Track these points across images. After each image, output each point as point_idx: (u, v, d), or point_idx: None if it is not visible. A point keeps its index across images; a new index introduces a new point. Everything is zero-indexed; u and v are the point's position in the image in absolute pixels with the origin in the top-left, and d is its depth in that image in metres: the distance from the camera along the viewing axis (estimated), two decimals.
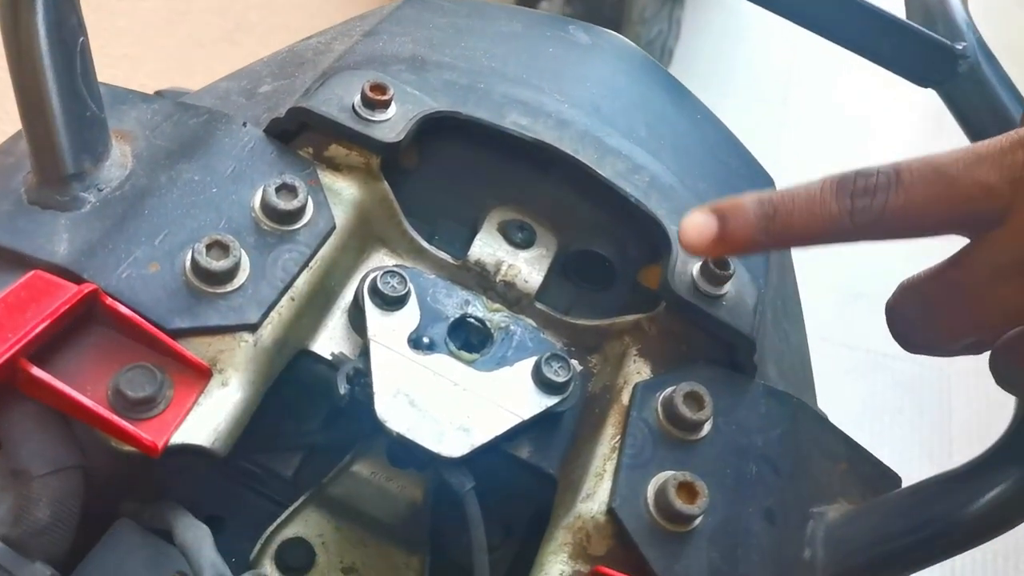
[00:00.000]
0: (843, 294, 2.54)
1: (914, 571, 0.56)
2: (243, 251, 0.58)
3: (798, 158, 2.80)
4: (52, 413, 0.50)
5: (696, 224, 0.58)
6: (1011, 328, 0.56)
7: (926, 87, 0.75)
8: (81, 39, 0.54)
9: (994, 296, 0.54)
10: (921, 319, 0.59)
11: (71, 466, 0.50)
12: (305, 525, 0.68)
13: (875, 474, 0.64)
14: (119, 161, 0.60)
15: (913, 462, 2.22)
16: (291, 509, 0.68)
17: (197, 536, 0.54)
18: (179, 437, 0.51)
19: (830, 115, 3.23)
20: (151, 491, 0.61)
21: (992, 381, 0.54)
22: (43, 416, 0.50)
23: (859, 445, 0.64)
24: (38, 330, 0.48)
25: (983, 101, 0.74)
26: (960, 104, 0.75)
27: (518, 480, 0.64)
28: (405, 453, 0.65)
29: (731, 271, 0.64)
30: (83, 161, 0.57)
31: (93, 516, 0.53)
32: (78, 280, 0.53)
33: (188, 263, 0.56)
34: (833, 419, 0.68)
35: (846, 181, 0.56)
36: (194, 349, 0.54)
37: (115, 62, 2.28)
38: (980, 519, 0.51)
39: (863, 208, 0.55)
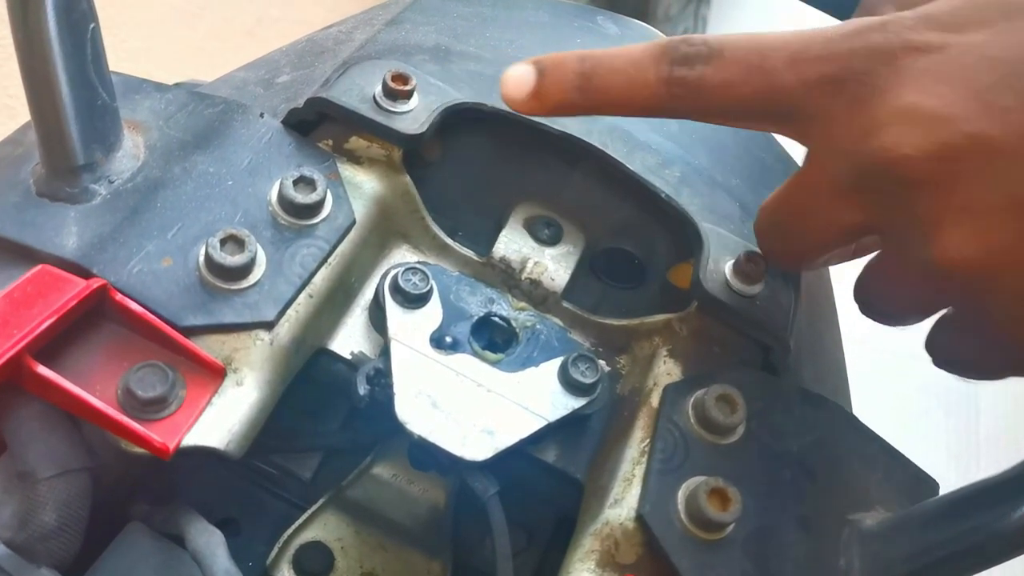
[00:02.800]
0: None
1: None
2: (259, 246, 0.56)
3: None
4: (59, 413, 0.49)
5: (515, 75, 0.57)
6: (849, 242, 0.55)
7: None
8: (92, 25, 0.53)
9: (826, 212, 0.53)
10: (776, 237, 0.59)
11: (79, 468, 0.49)
12: (324, 529, 0.66)
13: (913, 481, 0.61)
14: (131, 152, 0.58)
15: (940, 465, 2.19)
16: (309, 512, 0.66)
17: (210, 542, 0.52)
18: (191, 439, 0.50)
19: None
20: (163, 493, 0.60)
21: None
22: (49, 416, 0.48)
23: (896, 450, 0.62)
24: (44, 326, 0.46)
25: None
26: None
27: (543, 485, 0.62)
28: (427, 456, 0.63)
29: (765, 270, 0.62)
30: (94, 151, 0.55)
31: (102, 519, 0.52)
32: (87, 275, 0.51)
33: (202, 258, 0.54)
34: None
35: (669, 47, 0.53)
36: (208, 347, 0.52)
37: (133, 56, 2.27)
38: (1021, 530, 0.49)
39: (680, 79, 0.53)
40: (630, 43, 0.81)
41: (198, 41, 2.50)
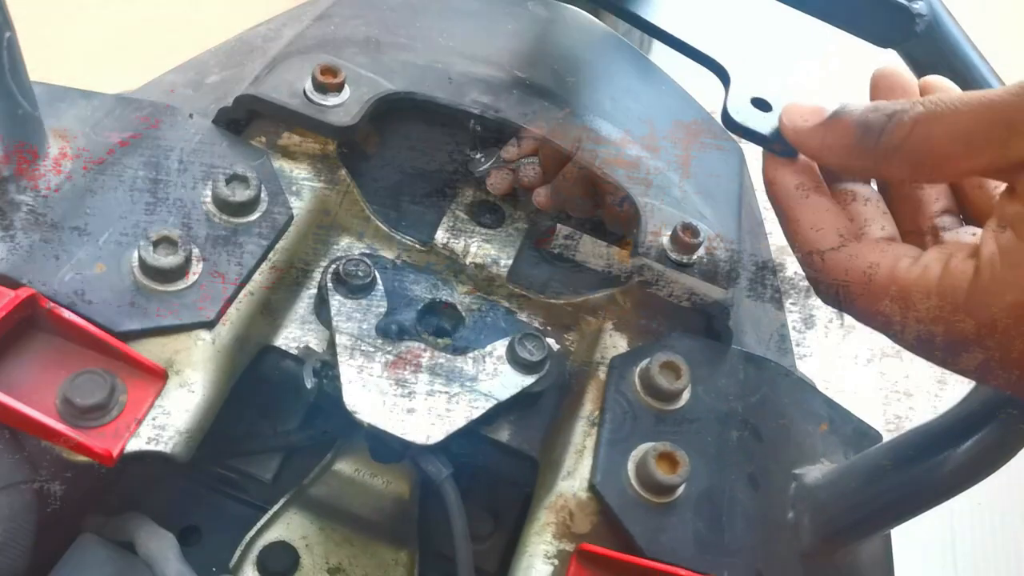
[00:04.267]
0: None
1: (895, 525, 0.55)
2: (194, 246, 0.55)
3: None
4: None
5: None
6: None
7: (887, 47, 0.74)
8: (8, 34, 0.52)
9: None
10: None
11: (20, 482, 0.48)
12: (287, 528, 0.66)
13: (856, 433, 0.63)
14: (58, 160, 0.57)
15: None
16: (270, 513, 0.66)
17: (161, 546, 0.52)
18: (136, 443, 0.49)
19: (826, 97, 3.19)
20: (120, 504, 0.59)
21: None
22: None
23: (839, 405, 0.64)
24: None
25: (942, 58, 0.73)
26: (921, 62, 0.74)
27: (501, 465, 0.62)
28: (384, 446, 0.63)
29: (701, 238, 0.63)
30: (17, 162, 0.54)
31: (57, 533, 0.51)
32: (16, 286, 0.50)
33: (135, 262, 0.54)
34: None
35: None
36: (148, 351, 0.52)
37: (81, 76, 2.25)
38: (956, 472, 0.51)
39: None
40: (561, 26, 0.81)
41: (149, 56, 2.47)
